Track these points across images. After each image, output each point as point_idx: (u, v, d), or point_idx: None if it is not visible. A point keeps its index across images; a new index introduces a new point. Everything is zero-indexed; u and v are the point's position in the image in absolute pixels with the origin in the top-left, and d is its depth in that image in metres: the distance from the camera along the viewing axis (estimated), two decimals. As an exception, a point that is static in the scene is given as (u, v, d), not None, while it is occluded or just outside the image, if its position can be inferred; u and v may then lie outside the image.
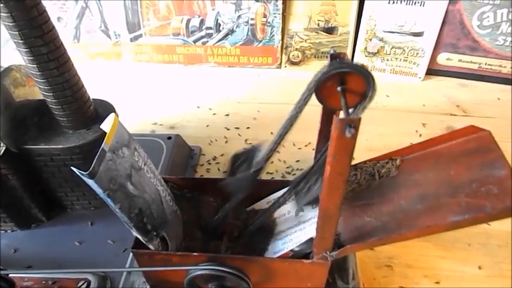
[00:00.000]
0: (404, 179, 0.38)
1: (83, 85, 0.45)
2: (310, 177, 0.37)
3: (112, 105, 0.50)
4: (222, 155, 0.70)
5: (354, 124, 0.24)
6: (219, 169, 0.67)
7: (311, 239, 0.37)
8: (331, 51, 0.32)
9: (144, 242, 0.37)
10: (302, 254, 0.38)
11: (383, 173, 0.39)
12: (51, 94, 0.42)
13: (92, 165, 0.31)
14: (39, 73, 0.40)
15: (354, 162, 0.65)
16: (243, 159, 0.42)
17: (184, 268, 0.36)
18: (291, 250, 0.38)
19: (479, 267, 0.53)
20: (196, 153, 0.70)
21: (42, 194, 0.51)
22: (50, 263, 0.48)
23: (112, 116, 0.36)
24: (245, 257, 0.37)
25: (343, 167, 0.27)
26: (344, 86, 0.28)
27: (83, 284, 0.44)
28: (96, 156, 0.32)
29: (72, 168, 0.42)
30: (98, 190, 0.32)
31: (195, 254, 0.37)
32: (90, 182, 0.31)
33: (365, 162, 0.40)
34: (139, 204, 0.36)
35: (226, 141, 0.72)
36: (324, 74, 0.27)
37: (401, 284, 0.52)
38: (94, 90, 0.86)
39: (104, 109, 0.49)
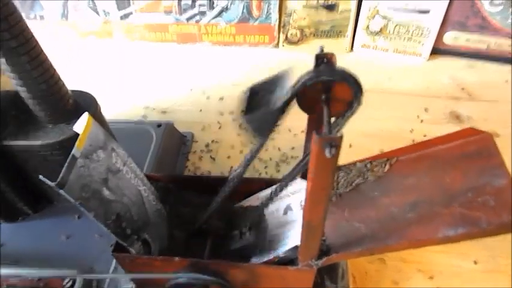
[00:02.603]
0: (397, 182, 0.35)
1: (59, 78, 0.42)
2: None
3: (93, 97, 0.47)
4: (215, 141, 0.68)
5: (334, 143, 0.21)
6: (211, 157, 0.66)
7: (297, 246, 0.35)
8: (319, 49, 0.29)
9: (125, 246, 0.36)
10: (288, 259, 0.36)
11: (375, 174, 0.37)
12: (25, 89, 0.40)
13: (61, 174, 0.29)
14: (11, 68, 0.37)
15: (349, 153, 0.63)
16: (263, 93, 0.33)
17: (166, 276, 0.35)
18: (277, 256, 0.36)
19: (475, 262, 0.52)
20: (189, 139, 0.68)
21: (27, 188, 0.50)
22: (37, 258, 0.47)
23: (85, 116, 0.34)
24: (229, 262, 0.36)
25: (326, 182, 0.25)
26: (328, 94, 0.25)
27: (68, 282, 0.43)
28: (66, 164, 0.30)
29: (54, 162, 0.40)
30: (70, 199, 0.30)
31: (177, 259, 0.36)
32: (61, 192, 0.30)
33: (356, 162, 0.38)
34: (117, 209, 0.35)
35: (219, 127, 0.70)
36: (307, 81, 0.25)
37: (394, 278, 0.51)
38: (86, 71, 0.85)
39: (85, 101, 0.46)
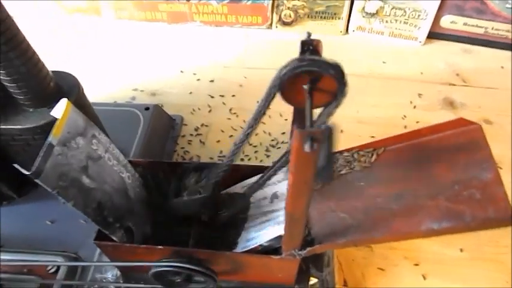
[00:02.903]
0: (384, 173, 0.35)
1: (39, 59, 0.41)
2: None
3: (76, 79, 0.46)
4: (204, 125, 0.67)
5: (315, 137, 0.21)
6: (201, 141, 0.65)
7: (281, 236, 0.35)
8: (306, 35, 0.28)
9: (107, 233, 0.36)
10: (272, 248, 0.36)
11: (362, 164, 0.36)
12: (3, 72, 0.38)
13: (37, 163, 0.28)
14: (-15, 49, 0.36)
15: (340, 139, 0.62)
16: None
17: (148, 264, 0.34)
18: (260, 245, 0.36)
19: (461, 250, 0.52)
20: (178, 123, 0.67)
21: (11, 172, 0.49)
22: (21, 243, 0.47)
23: (64, 101, 0.32)
24: (212, 251, 0.35)
25: (307, 176, 0.24)
26: (311, 85, 0.24)
27: (52, 268, 0.43)
28: (42, 152, 0.29)
29: (37, 147, 0.39)
30: (46, 188, 0.30)
31: (160, 247, 0.35)
32: (37, 181, 0.29)
33: (342, 151, 0.37)
34: (97, 197, 0.34)
35: (209, 111, 0.69)
36: (290, 71, 0.23)
37: (381, 265, 0.51)
38: (72, 50, 0.82)
39: (67, 83, 0.45)
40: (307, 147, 0.20)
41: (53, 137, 0.30)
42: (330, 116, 0.26)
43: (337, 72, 0.23)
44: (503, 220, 0.26)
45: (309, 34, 0.28)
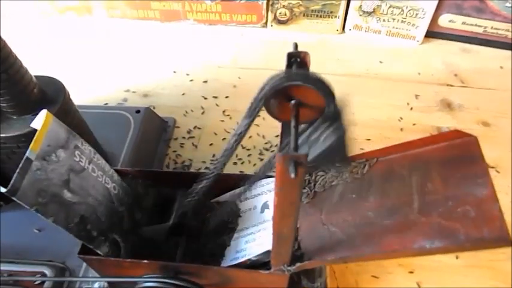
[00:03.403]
0: (376, 185, 0.34)
1: (21, 65, 0.39)
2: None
3: (61, 84, 0.44)
4: (197, 127, 0.65)
5: (299, 161, 0.19)
6: (193, 144, 0.63)
7: (269, 250, 0.34)
8: (293, 46, 0.27)
9: (91, 248, 0.35)
10: (260, 262, 0.35)
11: (354, 176, 0.35)
12: (-18, 79, 0.37)
13: (13, 180, 0.27)
14: (-36, 56, 0.34)
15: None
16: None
17: (134, 280, 0.33)
18: (249, 259, 0.35)
19: (457, 257, 0.51)
20: (170, 125, 0.65)
21: (-4, 178, 0.48)
22: (8, 251, 0.46)
23: (43, 113, 0.31)
24: (199, 266, 0.34)
25: (293, 197, 0.23)
26: (298, 100, 0.23)
27: (37, 280, 0.42)
28: (18, 169, 0.28)
29: (22, 154, 0.38)
30: (24, 205, 0.28)
31: (146, 261, 0.34)
32: (14, 198, 0.28)
33: (335, 162, 0.36)
34: (80, 211, 0.33)
35: (202, 112, 0.68)
36: (275, 86, 0.22)
37: (375, 273, 0.50)
38: (63, 49, 0.81)
39: (52, 89, 0.44)
40: (291, 174, 0.19)
41: (31, 152, 0.29)
42: (322, 135, 0.25)
43: (324, 88, 0.22)
44: (498, 240, 0.25)
45: (296, 45, 0.26)
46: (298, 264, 0.32)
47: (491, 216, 0.26)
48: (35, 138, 0.30)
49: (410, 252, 0.28)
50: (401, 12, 0.73)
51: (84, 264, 0.45)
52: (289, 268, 0.32)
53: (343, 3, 0.75)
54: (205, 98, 0.70)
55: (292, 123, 0.22)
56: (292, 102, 0.24)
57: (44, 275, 0.42)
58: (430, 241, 0.27)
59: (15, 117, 0.42)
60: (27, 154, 0.29)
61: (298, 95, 0.24)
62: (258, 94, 0.23)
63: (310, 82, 0.22)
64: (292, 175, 0.19)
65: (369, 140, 0.62)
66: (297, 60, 0.25)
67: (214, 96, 0.70)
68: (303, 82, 0.22)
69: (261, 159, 0.61)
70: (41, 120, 0.31)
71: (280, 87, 0.22)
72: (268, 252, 0.34)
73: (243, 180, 0.41)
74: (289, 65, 0.25)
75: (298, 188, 0.21)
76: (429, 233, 0.28)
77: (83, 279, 0.41)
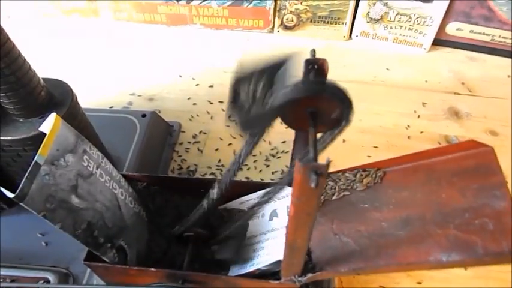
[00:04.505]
0: (389, 195, 0.33)
1: (29, 67, 0.39)
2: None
3: (69, 87, 0.44)
4: (203, 132, 0.65)
5: (320, 171, 0.19)
6: (199, 149, 0.63)
7: (280, 260, 0.33)
8: (311, 53, 0.26)
9: (97, 255, 0.34)
10: (270, 272, 0.34)
11: (365, 184, 0.34)
12: (-10, 81, 0.36)
13: (21, 185, 0.27)
14: (-28, 58, 0.34)
15: (342, 148, 0.60)
16: (255, 83, 0.28)
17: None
18: (258, 269, 0.34)
19: (465, 268, 0.50)
20: (176, 130, 0.65)
21: (2, 182, 0.47)
22: (12, 256, 0.45)
23: (52, 116, 0.31)
24: (207, 274, 0.34)
25: (311, 208, 0.23)
26: (314, 108, 0.22)
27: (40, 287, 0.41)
28: (27, 174, 0.27)
29: (28, 157, 0.37)
30: (32, 211, 0.28)
31: (153, 269, 0.34)
32: (21, 204, 0.27)
33: (345, 170, 0.36)
34: (87, 217, 0.32)
35: (208, 117, 0.67)
36: (293, 95, 0.22)
37: (382, 283, 0.50)
38: (68, 52, 0.80)
39: (60, 92, 0.43)
40: (312, 184, 0.19)
41: (40, 156, 0.28)
42: (332, 142, 0.24)
43: (343, 98, 0.21)
44: (518, 255, 0.25)
45: (314, 52, 0.26)
46: (309, 275, 0.31)
47: (510, 229, 0.26)
48: (43, 142, 0.29)
49: (427, 265, 0.28)
50: (409, 20, 0.73)
51: (88, 270, 0.44)
52: (300, 279, 0.31)
53: (351, 10, 0.75)
54: (211, 103, 0.69)
55: (311, 132, 0.22)
56: (309, 110, 0.23)
57: (47, 281, 0.42)
58: (446, 254, 0.27)
59: (21, 120, 0.41)
60: (35, 159, 0.28)
61: (315, 104, 0.23)
62: (273, 103, 0.22)
63: (328, 91, 0.21)
64: (313, 185, 0.19)
65: (376, 147, 0.62)
66: (314, 67, 0.25)
67: (220, 101, 0.69)
68: (322, 92, 0.21)
69: (267, 166, 0.60)
70: (49, 124, 0.30)
71: (298, 97, 0.22)
72: (278, 262, 0.33)
73: (252, 188, 0.41)
74: (306, 72, 0.25)
75: (317, 199, 0.21)
76: (446, 246, 0.27)
77: (86, 287, 0.41)
